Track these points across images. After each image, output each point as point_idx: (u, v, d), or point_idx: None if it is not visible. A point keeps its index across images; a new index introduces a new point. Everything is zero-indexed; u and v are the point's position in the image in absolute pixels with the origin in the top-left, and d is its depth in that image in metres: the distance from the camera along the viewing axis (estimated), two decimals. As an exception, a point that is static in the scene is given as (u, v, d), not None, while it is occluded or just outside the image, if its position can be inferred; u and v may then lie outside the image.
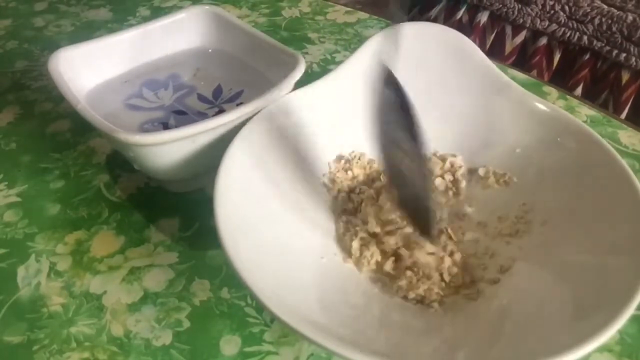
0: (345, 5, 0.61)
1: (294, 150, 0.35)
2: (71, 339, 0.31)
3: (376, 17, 0.59)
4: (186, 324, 0.31)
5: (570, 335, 0.24)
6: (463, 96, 0.38)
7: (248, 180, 0.32)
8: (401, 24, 0.39)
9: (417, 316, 0.29)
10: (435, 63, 0.39)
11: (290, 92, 0.36)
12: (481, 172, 0.36)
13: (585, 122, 0.44)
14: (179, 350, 0.30)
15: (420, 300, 0.30)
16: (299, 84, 0.36)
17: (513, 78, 0.37)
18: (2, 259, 0.35)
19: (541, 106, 0.35)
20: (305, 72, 0.36)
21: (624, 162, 0.30)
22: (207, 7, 0.44)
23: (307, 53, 0.53)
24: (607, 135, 0.43)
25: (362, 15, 0.59)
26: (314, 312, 0.27)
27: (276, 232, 0.31)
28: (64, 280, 0.34)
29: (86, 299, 0.33)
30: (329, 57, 0.53)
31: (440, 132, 0.38)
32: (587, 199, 0.31)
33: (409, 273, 0.31)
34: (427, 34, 0.39)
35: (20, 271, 0.34)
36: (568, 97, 0.47)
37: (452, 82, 0.38)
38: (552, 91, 0.48)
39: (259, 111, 0.34)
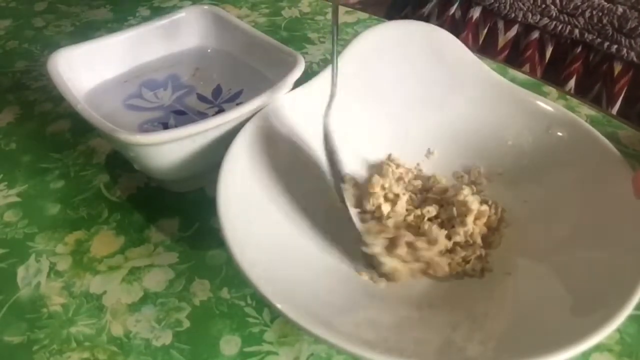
0: (345, 5, 0.61)
1: (295, 148, 0.35)
2: (71, 339, 0.31)
3: (376, 17, 0.59)
4: (186, 324, 0.31)
5: (568, 332, 0.24)
6: (455, 95, 0.38)
7: (249, 179, 0.32)
8: (387, 22, 0.39)
9: (417, 311, 0.30)
10: (423, 62, 0.39)
11: (290, 91, 0.36)
12: (483, 171, 0.36)
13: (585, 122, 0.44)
14: (179, 350, 0.30)
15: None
16: (299, 84, 0.36)
17: (513, 78, 0.37)
18: (2, 259, 0.35)
19: (532, 99, 0.36)
20: (305, 72, 0.36)
21: (619, 154, 0.30)
22: (206, 7, 0.44)
23: (307, 53, 0.53)
24: (607, 135, 0.43)
25: (362, 15, 0.59)
26: (317, 307, 0.27)
27: (278, 228, 0.31)
28: (64, 280, 0.34)
29: (86, 299, 0.33)
30: (328, 57, 0.53)
31: (437, 133, 0.38)
32: (587, 195, 0.31)
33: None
34: (413, 33, 0.39)
35: (20, 271, 0.34)
36: (568, 97, 0.47)
37: (441, 81, 0.38)
38: (552, 91, 0.48)
39: (258, 110, 0.34)
